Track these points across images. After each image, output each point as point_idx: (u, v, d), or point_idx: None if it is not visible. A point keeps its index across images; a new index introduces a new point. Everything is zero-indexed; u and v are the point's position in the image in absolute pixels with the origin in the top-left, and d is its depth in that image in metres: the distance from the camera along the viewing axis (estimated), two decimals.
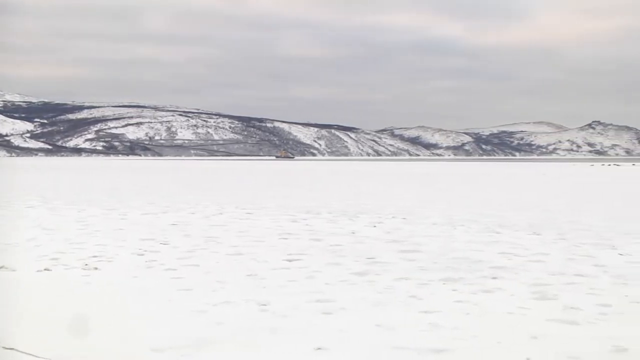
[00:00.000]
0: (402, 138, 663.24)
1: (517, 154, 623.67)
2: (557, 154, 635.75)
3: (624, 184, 35.79)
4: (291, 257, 9.32)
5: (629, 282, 7.57)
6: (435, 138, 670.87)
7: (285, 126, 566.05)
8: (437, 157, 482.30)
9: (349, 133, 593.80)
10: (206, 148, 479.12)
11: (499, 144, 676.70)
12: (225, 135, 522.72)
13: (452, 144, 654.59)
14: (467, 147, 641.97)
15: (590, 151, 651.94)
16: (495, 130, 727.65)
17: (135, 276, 7.97)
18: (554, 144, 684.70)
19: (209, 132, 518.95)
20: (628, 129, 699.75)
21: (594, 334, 5.46)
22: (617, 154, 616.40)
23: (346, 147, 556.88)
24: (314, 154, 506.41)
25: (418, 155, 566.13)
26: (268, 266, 8.62)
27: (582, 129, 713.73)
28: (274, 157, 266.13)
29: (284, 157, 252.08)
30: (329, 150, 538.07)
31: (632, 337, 5.35)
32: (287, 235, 11.81)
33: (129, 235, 11.77)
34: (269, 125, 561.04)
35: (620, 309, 6.30)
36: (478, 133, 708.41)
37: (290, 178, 43.97)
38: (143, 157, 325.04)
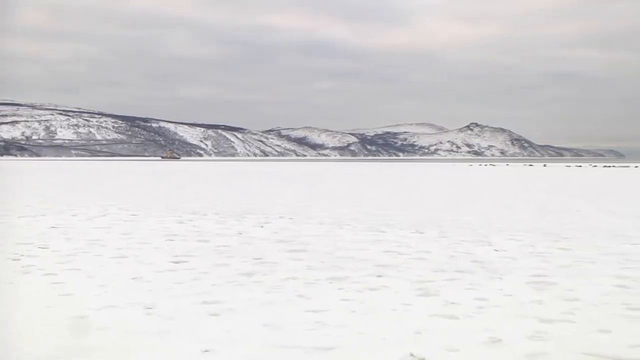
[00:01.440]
0: (289, 138, 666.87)
1: (400, 154, 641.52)
2: (439, 154, 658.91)
3: (499, 183, 37.55)
4: (177, 259, 9.18)
5: (503, 277, 7.96)
6: (322, 138, 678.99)
7: (171, 126, 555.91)
8: (323, 158, 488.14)
9: (235, 133, 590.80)
10: (88, 148, 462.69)
11: (383, 145, 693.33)
12: (109, 135, 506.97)
13: (338, 145, 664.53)
14: (352, 148, 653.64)
15: (468, 152, 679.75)
16: (379, 131, 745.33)
17: (10, 282, 7.60)
18: (435, 144, 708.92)
19: (91, 132, 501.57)
20: (503, 130, 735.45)
21: (472, 327, 5.70)
22: (493, 155, 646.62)
23: (233, 147, 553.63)
24: (200, 155, 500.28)
25: (305, 155, 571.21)
26: (153, 268, 8.45)
27: (461, 130, 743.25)
28: (159, 158, 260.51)
29: (170, 158, 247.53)
30: (215, 150, 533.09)
31: (506, 328, 5.64)
32: (173, 237, 11.62)
33: (3, 240, 11.20)
34: (154, 125, 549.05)
35: (496, 302, 6.62)
36: (363, 134, 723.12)
37: (176, 179, 43.22)
38: (19, 158, 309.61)
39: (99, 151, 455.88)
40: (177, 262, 8.93)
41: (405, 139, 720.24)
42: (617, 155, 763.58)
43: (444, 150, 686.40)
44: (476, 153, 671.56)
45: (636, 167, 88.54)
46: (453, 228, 13.23)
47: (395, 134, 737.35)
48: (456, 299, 6.75)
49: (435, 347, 5.14)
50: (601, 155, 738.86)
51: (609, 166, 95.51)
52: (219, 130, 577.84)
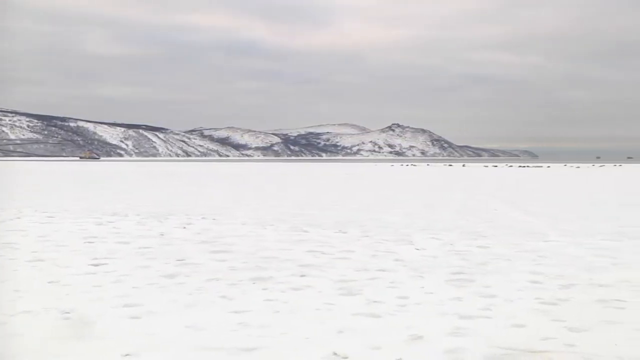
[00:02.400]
0: (211, 139, 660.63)
1: (323, 154, 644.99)
2: (361, 154, 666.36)
3: (420, 183, 38.28)
4: (97, 262, 8.96)
5: (424, 275, 8.13)
6: (245, 139, 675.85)
7: (90, 126, 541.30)
8: (246, 158, 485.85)
9: (157, 133, 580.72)
10: (1, 148, 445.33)
11: (306, 145, 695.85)
12: (23, 135, 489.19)
13: (261, 145, 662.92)
14: (276, 148, 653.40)
15: (390, 152, 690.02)
16: (303, 132, 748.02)
17: None
18: (357, 145, 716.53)
19: (3, 131, 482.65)
20: (423, 131, 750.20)
21: (394, 324, 5.80)
22: (414, 155, 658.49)
23: (155, 147, 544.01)
24: (121, 155, 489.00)
25: (228, 155, 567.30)
26: (71, 272, 8.22)
27: (383, 130, 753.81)
28: (77, 158, 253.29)
29: (89, 158, 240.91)
30: (136, 150, 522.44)
31: (427, 325, 5.76)
32: (92, 239, 11.34)
33: None
34: (72, 124, 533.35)
35: (417, 300, 6.75)
36: (286, 134, 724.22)
37: (95, 179, 42.14)
38: None
39: (12, 151, 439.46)
40: (96, 265, 8.72)
41: (328, 140, 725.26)
42: (531, 155, 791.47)
43: (366, 151, 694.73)
44: (398, 153, 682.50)
45: (548, 167, 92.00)
46: (375, 227, 13.41)
47: (318, 134, 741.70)
48: (378, 297, 6.85)
49: (358, 345, 5.20)
50: (517, 155, 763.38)
51: (524, 166, 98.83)
52: (140, 130, 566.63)
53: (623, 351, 5.03)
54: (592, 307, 6.42)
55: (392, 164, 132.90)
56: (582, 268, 8.63)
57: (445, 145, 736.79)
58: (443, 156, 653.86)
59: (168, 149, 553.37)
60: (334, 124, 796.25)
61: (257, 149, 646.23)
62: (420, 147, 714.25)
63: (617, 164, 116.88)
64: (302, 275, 8.08)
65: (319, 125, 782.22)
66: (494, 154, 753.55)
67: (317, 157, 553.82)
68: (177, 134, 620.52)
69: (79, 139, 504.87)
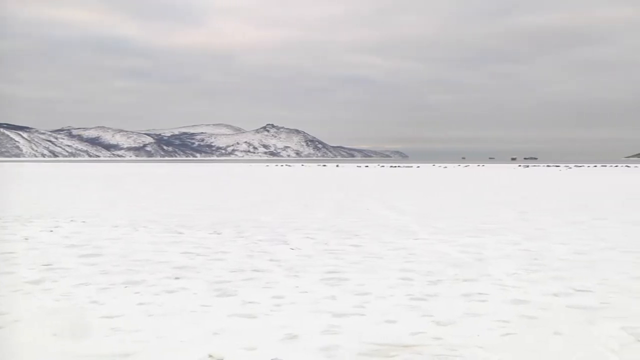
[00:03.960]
0: (80, 138, 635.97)
1: (198, 154, 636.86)
2: (236, 155, 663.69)
3: (295, 183, 38.59)
4: None
5: (299, 275, 8.23)
6: (116, 139, 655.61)
7: None
8: (118, 159, 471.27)
9: (20, 132, 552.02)
10: None
11: (180, 145, 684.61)
12: None
13: (133, 145, 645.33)
14: (148, 148, 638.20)
15: (265, 152, 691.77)
16: (176, 132, 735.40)
17: None
18: (232, 145, 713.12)
19: None
20: (298, 132, 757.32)
21: (270, 324, 5.84)
22: (289, 155, 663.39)
23: (18, 147, 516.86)
24: None
25: (98, 156, 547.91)
26: None
27: (257, 131, 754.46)
28: None
29: None
30: None
31: (302, 324, 5.84)
32: None
33: None
34: None
35: (292, 299, 6.83)
36: (160, 134, 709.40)
37: None
38: None
39: None
40: None
41: (203, 140, 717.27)
42: (402, 156, 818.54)
43: (241, 151, 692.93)
44: (272, 154, 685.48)
45: (418, 167, 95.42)
46: (251, 228, 13.41)
47: (193, 134, 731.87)
48: (254, 298, 6.87)
49: (233, 346, 5.19)
50: (388, 156, 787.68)
51: (395, 166, 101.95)
52: (1, 129, 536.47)
53: (484, 341, 5.31)
54: (458, 301, 6.73)
55: (267, 164, 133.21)
56: (449, 264, 9.03)
57: (320, 145, 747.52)
58: (317, 156, 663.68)
59: (33, 149, 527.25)
60: (209, 124, 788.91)
61: (129, 149, 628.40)
62: (295, 147, 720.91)
63: (480, 164, 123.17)
64: (176, 278, 7.96)
65: (193, 126, 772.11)
66: (367, 155, 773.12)
67: (192, 158, 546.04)
68: (43, 134, 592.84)
69: None
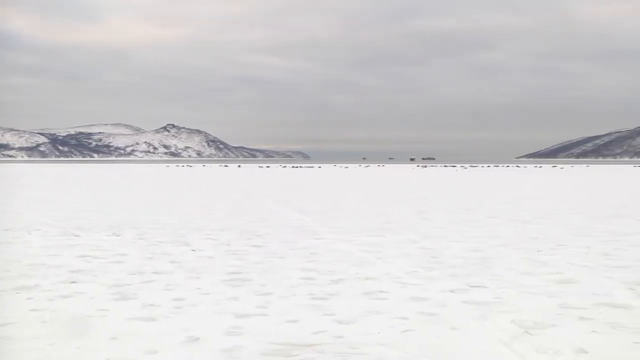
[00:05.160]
0: None
1: (95, 155, 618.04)
2: (135, 155, 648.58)
3: (197, 183, 38.13)
4: None
5: (200, 276, 8.13)
6: (7, 138, 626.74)
7: None
8: (9, 159, 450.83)
9: None
10: None
11: (76, 145, 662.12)
12: None
13: (25, 145, 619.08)
14: (42, 149, 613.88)
15: (165, 152, 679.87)
16: (72, 131, 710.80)
17: None
18: (131, 145, 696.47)
19: None
20: (199, 132, 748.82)
21: (171, 327, 5.74)
22: (190, 156, 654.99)
23: None
24: None
25: None
26: None
27: (157, 131, 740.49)
28: None
29: None
30: None
31: (204, 326, 5.77)
32: None
33: None
34: None
35: (193, 301, 6.74)
36: (54, 134, 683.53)
37: None
38: None
39: None
40: None
41: (101, 140, 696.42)
42: (304, 156, 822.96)
43: (141, 152, 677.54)
44: (173, 154, 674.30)
45: (320, 167, 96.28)
46: (151, 229, 13.16)
47: (90, 134, 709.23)
48: (154, 300, 6.74)
49: (133, 350, 5.08)
50: (290, 156, 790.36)
51: (297, 166, 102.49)
52: None
53: (385, 338, 5.43)
54: (359, 300, 6.84)
55: (168, 165, 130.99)
56: (350, 263, 9.16)
57: (221, 146, 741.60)
58: (219, 157, 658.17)
59: None
60: (107, 124, 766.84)
61: (20, 149, 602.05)
62: (196, 147, 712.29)
63: (381, 165, 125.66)
64: (72, 282, 7.70)
65: (90, 125, 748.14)
66: (269, 155, 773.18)
67: (89, 158, 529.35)
68: None
69: None
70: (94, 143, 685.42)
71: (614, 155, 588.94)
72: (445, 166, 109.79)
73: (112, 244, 11.02)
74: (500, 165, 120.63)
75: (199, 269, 8.67)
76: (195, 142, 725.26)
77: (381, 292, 7.22)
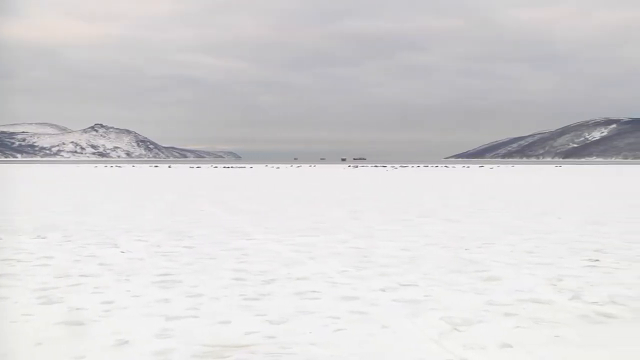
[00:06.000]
0: None
1: (19, 155, 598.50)
2: (62, 155, 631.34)
3: (126, 184, 37.42)
4: None
5: (130, 278, 8.00)
6: None
7: None
8: None
9: None
10: None
11: None
12: None
13: None
14: None
15: (94, 153, 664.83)
16: None
17: None
18: (57, 145, 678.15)
19: None
20: (128, 132, 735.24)
21: (99, 331, 5.62)
22: (119, 156, 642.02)
23: None
24: None
25: None
26: None
27: (85, 131, 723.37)
28: None
29: None
30: None
31: (134, 329, 5.67)
32: None
33: None
34: None
35: (124, 303, 6.62)
36: None
37: None
38: None
39: None
40: None
41: (24, 139, 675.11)
42: (235, 157, 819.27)
43: (68, 152, 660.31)
44: (102, 154, 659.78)
45: (251, 167, 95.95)
46: (79, 231, 12.85)
47: (12, 133, 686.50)
48: (81, 304, 6.59)
49: (58, 357, 4.95)
50: (221, 156, 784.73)
51: (229, 167, 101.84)
52: None
53: (316, 337, 5.46)
54: (291, 300, 6.86)
55: (96, 165, 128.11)
56: (282, 263, 9.16)
57: (151, 146, 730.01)
58: (149, 157, 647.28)
59: None
60: (32, 123, 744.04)
61: None
62: (126, 148, 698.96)
63: (312, 165, 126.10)
64: None
65: (13, 124, 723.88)
66: (200, 155, 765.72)
67: (12, 159, 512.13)
68: None
69: None
70: (17, 143, 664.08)
71: (537, 156, 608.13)
72: (376, 166, 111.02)
73: (37, 247, 10.71)
74: (429, 165, 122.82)
75: (129, 271, 8.52)
76: (125, 142, 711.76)
77: (313, 291, 7.25)
